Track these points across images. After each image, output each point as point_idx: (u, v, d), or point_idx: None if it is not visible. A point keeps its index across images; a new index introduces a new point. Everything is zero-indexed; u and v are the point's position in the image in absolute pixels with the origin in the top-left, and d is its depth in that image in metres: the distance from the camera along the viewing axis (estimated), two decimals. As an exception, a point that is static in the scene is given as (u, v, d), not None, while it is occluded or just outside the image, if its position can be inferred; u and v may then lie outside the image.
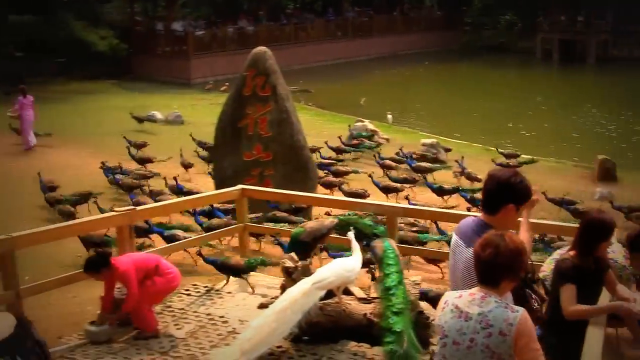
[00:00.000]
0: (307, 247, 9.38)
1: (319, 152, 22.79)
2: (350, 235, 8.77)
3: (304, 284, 8.22)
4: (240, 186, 11.49)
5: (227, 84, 37.40)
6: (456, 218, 9.93)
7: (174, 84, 41.83)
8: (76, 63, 43.23)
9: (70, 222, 11.28)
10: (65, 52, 43.21)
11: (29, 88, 36.28)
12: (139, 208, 10.47)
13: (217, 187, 15.72)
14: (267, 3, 50.83)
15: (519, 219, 5.55)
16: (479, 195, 17.34)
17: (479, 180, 20.05)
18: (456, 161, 22.08)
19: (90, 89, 39.70)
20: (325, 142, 23.53)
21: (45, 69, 42.64)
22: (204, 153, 22.93)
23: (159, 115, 30.19)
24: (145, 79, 43.29)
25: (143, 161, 21.74)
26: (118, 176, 19.26)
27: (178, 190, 17.58)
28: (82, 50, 43.07)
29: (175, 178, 18.31)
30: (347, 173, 20.65)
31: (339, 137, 24.95)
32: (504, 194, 5.25)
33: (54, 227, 10.74)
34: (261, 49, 16.34)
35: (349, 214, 11.15)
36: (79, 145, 23.78)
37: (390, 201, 17.68)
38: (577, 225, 7.31)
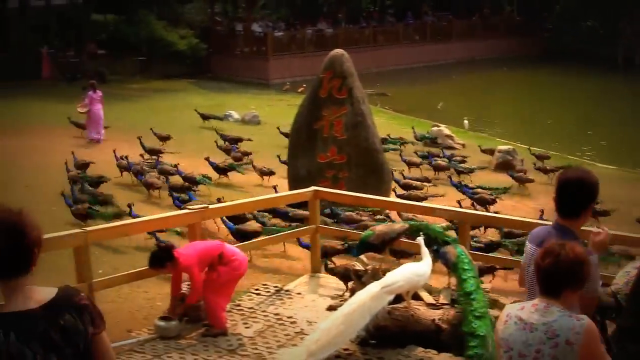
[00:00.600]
0: (376, 250, 9.37)
1: None
2: (420, 240, 8.74)
3: (373, 287, 8.22)
4: (313, 188, 11.49)
5: (304, 85, 37.49)
6: (529, 227, 9.82)
7: (252, 84, 42.14)
8: (156, 62, 43.92)
9: (143, 219, 11.41)
10: (146, 50, 43.93)
11: (109, 85, 37.21)
12: (212, 206, 10.56)
13: (291, 188, 15.80)
14: (346, 6, 50.88)
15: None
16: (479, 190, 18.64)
17: (530, 181, 20.91)
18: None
19: (169, 87, 40.19)
20: None
21: (126, 67, 43.41)
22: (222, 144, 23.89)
23: (235, 114, 30.39)
24: (224, 79, 43.70)
25: (153, 152, 22.19)
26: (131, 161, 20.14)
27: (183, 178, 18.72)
28: (162, 49, 43.72)
29: (176, 165, 19.53)
30: None
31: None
32: (585, 195, 5.23)
33: (126, 223, 10.91)
34: (338, 51, 16.38)
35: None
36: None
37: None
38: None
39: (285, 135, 23.14)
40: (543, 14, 58.96)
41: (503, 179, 21.36)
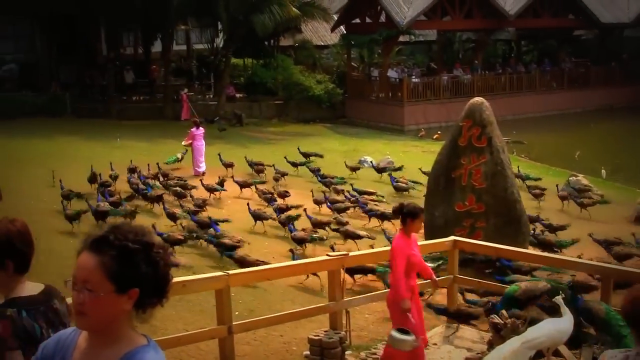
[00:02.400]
0: (520, 305, 9.23)
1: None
2: (559, 299, 8.57)
3: (514, 342, 8.09)
4: (452, 237, 11.44)
5: (439, 132, 37.46)
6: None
7: (387, 130, 42.22)
8: (292, 105, 44.67)
9: (284, 264, 11.56)
10: (283, 94, 44.73)
11: (247, 128, 38.05)
12: (351, 254, 10.62)
13: (428, 236, 15.71)
14: (482, 52, 50.66)
15: None
16: None
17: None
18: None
19: (304, 131, 40.68)
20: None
21: (263, 110, 44.31)
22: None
23: (370, 160, 30.45)
24: (359, 124, 43.99)
25: (165, 175, 24.62)
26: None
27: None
28: (299, 94, 44.47)
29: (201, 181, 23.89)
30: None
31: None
32: None
33: (267, 268, 11.06)
34: (478, 99, 16.27)
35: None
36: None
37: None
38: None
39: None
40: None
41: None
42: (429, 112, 43.04)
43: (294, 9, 40.26)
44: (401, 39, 46.68)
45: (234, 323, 9.02)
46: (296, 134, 39.40)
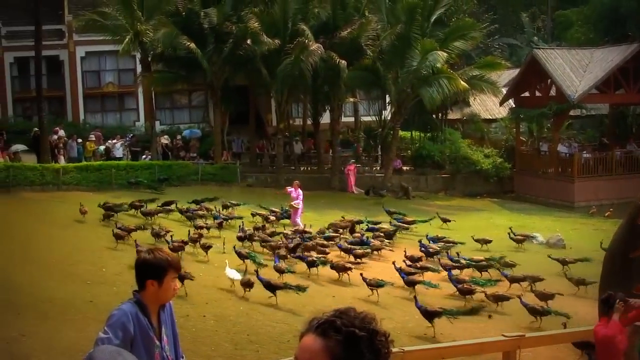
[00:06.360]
0: None
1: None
2: None
3: None
4: (638, 324, 10.93)
5: (611, 209, 36.34)
6: None
7: (556, 206, 41.28)
8: (459, 179, 44.55)
9: (457, 343, 11.30)
10: (450, 168, 44.66)
11: (413, 201, 38.13)
12: (527, 335, 10.26)
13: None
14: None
15: None
16: None
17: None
18: None
19: (471, 205, 40.35)
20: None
21: (429, 184, 44.36)
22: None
23: (539, 237, 29.67)
24: (527, 199, 43.30)
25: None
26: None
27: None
28: (466, 168, 44.28)
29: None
30: None
31: None
32: None
33: (443, 346, 10.84)
34: (658, 177, 15.74)
35: None
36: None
37: None
38: None
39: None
40: None
41: None
42: (601, 189, 41.75)
43: (462, 82, 40.11)
44: (572, 112, 45.75)
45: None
46: (463, 208, 39.06)
